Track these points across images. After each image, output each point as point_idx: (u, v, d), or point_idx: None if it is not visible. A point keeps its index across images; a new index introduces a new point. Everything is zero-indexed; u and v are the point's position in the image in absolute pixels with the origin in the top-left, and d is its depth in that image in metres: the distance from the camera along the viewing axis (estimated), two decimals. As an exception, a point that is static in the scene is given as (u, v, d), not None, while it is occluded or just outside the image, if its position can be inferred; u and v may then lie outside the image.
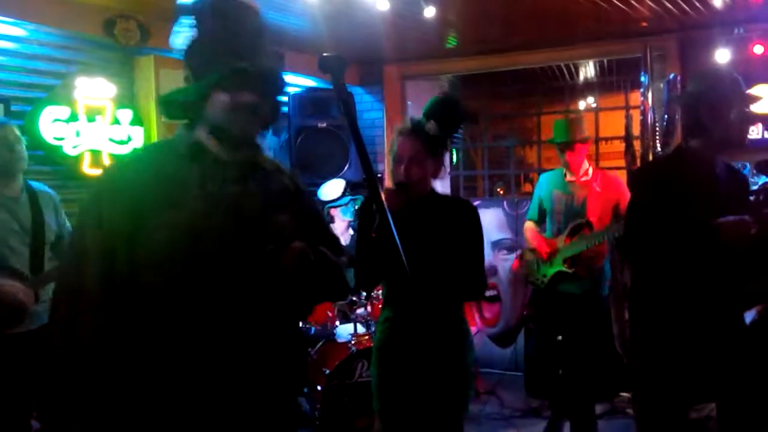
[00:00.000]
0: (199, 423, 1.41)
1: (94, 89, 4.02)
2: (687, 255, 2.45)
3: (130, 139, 4.18)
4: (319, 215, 1.79)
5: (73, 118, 3.91)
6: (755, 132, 5.42)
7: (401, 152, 2.30)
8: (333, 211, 4.58)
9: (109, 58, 4.23)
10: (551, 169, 4.15)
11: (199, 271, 1.40)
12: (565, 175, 3.84)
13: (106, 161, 4.06)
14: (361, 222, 2.37)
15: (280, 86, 1.54)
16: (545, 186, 3.94)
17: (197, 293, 1.40)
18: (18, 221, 2.83)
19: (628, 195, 3.66)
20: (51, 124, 3.80)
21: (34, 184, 3.05)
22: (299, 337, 1.65)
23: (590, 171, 3.80)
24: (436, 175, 2.37)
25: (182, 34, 1.47)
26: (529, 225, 4.02)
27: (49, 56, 3.94)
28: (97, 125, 4.01)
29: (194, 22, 1.46)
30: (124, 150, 4.16)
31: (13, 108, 3.72)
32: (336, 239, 1.78)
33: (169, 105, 1.52)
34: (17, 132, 2.96)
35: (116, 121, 4.13)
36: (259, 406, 1.48)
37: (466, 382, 2.38)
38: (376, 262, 2.22)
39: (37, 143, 3.77)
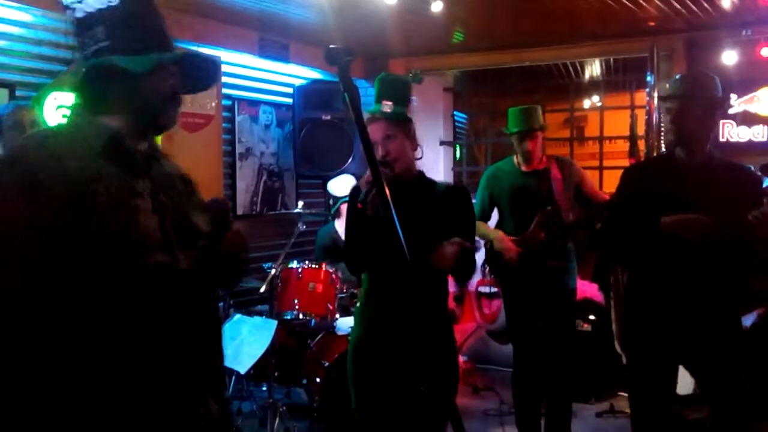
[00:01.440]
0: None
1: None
2: (658, 253, 2.50)
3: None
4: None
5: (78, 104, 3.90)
6: (760, 134, 5.41)
7: (374, 138, 2.29)
8: (344, 207, 4.58)
9: (114, 45, 4.22)
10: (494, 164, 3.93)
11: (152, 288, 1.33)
12: (519, 165, 3.67)
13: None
14: (351, 207, 2.37)
15: (214, 79, 1.55)
16: (497, 181, 3.72)
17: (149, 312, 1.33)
18: None
19: (586, 175, 3.72)
20: (56, 111, 3.80)
21: None
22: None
23: (544, 159, 3.64)
24: (414, 150, 2.38)
25: None
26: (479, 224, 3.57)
27: (55, 42, 3.93)
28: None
29: None
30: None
31: (18, 93, 3.71)
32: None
33: (93, 83, 1.36)
34: (33, 116, 2.93)
35: (121, 109, 4.13)
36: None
37: (454, 369, 2.39)
38: (368, 244, 2.24)
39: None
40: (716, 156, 2.62)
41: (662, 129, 3.74)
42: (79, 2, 1.35)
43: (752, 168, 5.03)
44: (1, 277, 1.23)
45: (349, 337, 3.82)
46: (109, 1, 1.35)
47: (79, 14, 1.36)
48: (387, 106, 2.34)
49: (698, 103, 2.54)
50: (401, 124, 2.33)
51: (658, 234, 2.46)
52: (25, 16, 3.77)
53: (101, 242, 1.27)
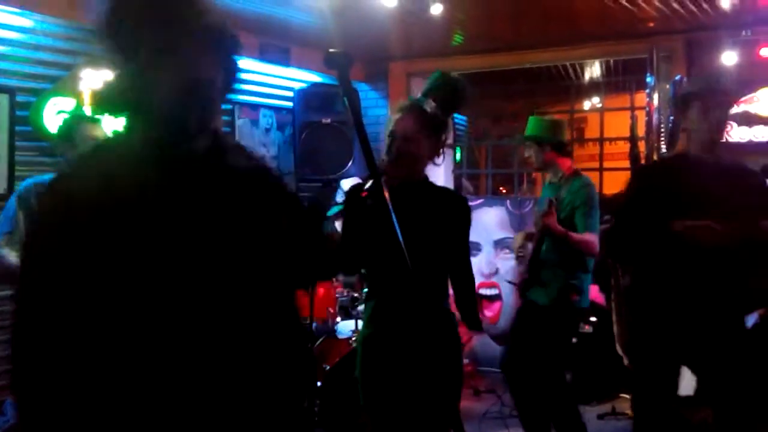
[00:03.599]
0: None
1: (101, 81, 4.02)
2: (668, 256, 2.49)
3: (134, 131, 4.18)
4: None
5: (78, 109, 3.90)
6: (761, 135, 5.41)
7: (396, 128, 2.25)
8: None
9: (114, 50, 4.22)
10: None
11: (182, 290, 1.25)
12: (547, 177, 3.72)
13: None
14: (351, 199, 2.34)
15: (232, 50, 1.32)
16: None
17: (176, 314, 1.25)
18: None
19: (585, 204, 3.47)
20: (56, 116, 3.80)
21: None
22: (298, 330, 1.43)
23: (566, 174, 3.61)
24: (432, 157, 2.33)
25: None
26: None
27: (55, 47, 3.94)
28: (102, 117, 4.00)
29: None
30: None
31: (18, 99, 3.72)
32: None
33: (108, 98, 1.29)
34: (92, 129, 2.87)
35: (121, 114, 4.13)
36: (248, 412, 1.31)
37: (458, 373, 2.36)
38: (364, 239, 2.21)
39: (41, 135, 3.77)
40: (724, 155, 2.62)
41: (662, 130, 3.71)
42: None
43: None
44: (33, 289, 1.22)
45: (355, 338, 3.84)
46: None
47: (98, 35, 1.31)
48: (429, 104, 2.27)
49: (727, 99, 2.54)
50: (431, 129, 2.28)
51: (669, 237, 2.43)
52: (25, 22, 3.78)
53: (138, 251, 1.21)
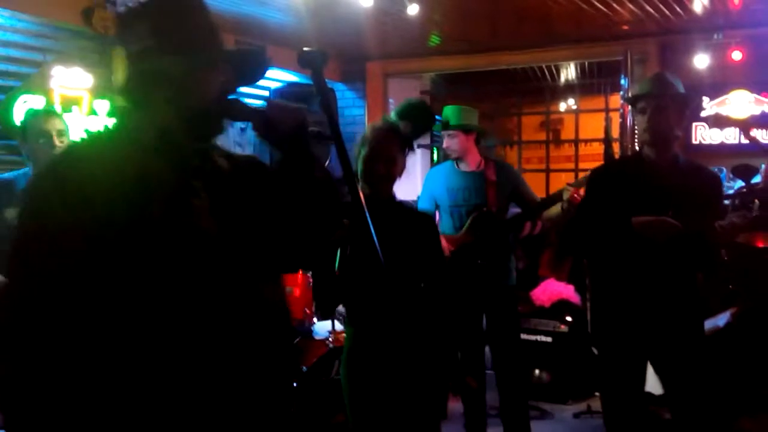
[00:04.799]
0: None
1: (71, 79, 3.95)
2: (620, 250, 2.55)
3: (107, 130, 4.12)
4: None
5: (49, 107, 3.83)
6: (732, 137, 5.50)
7: (377, 149, 2.31)
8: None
9: (86, 47, 4.15)
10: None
11: (179, 278, 1.28)
12: (457, 165, 3.66)
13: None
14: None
15: (259, 72, 1.42)
16: (434, 181, 3.73)
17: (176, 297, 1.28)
18: None
19: (523, 181, 3.69)
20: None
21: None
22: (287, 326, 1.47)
23: (482, 161, 3.63)
24: (400, 175, 2.39)
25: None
26: None
27: (25, 44, 3.86)
28: (74, 116, 3.93)
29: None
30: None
31: (-13, 96, 3.64)
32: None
33: (133, 84, 1.30)
34: (63, 124, 2.83)
35: (93, 112, 4.06)
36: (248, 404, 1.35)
37: (443, 388, 2.39)
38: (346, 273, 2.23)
39: (10, 133, 3.69)
40: (681, 156, 2.66)
41: (635, 131, 3.77)
42: None
43: (724, 169, 5.13)
44: (37, 279, 1.21)
45: (332, 339, 3.83)
46: None
47: (120, 8, 1.33)
48: (404, 126, 2.36)
49: (672, 102, 2.57)
50: (405, 146, 2.36)
51: (627, 231, 2.49)
52: (-7, 18, 3.70)
53: (152, 240, 1.23)
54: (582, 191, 3.16)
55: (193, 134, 1.34)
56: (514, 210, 3.71)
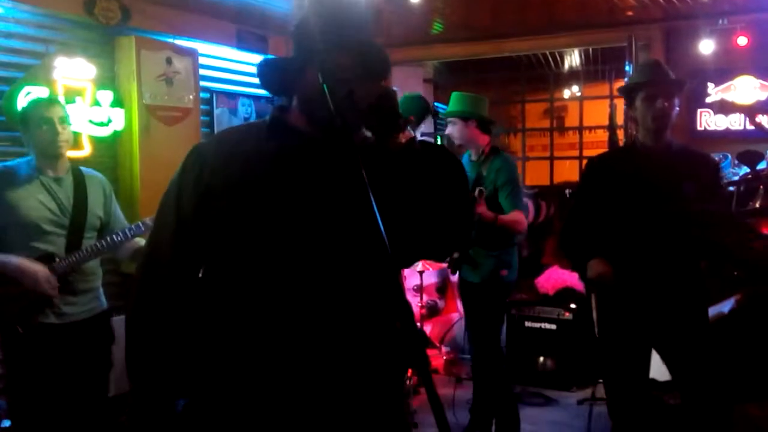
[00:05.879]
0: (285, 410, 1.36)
1: (74, 70, 3.95)
2: (630, 241, 2.56)
3: (110, 120, 4.11)
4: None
5: (52, 98, 3.83)
6: (737, 123, 5.47)
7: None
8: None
9: (89, 38, 4.14)
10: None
11: (285, 259, 1.37)
12: (470, 155, 3.65)
13: (86, 143, 3.99)
14: None
15: (380, 73, 1.46)
16: None
17: (288, 276, 1.37)
18: (57, 202, 2.75)
19: (510, 181, 3.49)
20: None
21: (84, 169, 2.93)
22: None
23: (486, 150, 3.56)
24: None
25: (298, 12, 1.48)
26: None
27: (27, 35, 3.85)
28: (77, 106, 3.93)
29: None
30: (104, 132, 4.09)
31: (-10, 87, 3.64)
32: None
33: (266, 74, 1.49)
34: (64, 111, 2.84)
35: (96, 103, 4.06)
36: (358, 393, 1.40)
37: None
38: None
39: (14, 124, 3.69)
40: (674, 143, 2.66)
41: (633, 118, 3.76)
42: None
43: (729, 156, 5.10)
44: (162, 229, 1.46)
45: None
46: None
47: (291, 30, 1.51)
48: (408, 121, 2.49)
49: (674, 87, 2.58)
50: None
51: (616, 233, 2.53)
52: (-5, 9, 3.69)
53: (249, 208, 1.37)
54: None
55: (313, 122, 1.45)
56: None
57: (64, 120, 2.78)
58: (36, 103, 2.88)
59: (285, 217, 1.37)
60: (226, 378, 1.38)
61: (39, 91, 3.76)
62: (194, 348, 1.42)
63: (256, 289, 1.37)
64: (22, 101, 3.69)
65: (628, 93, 2.68)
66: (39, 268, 2.61)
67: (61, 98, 3.84)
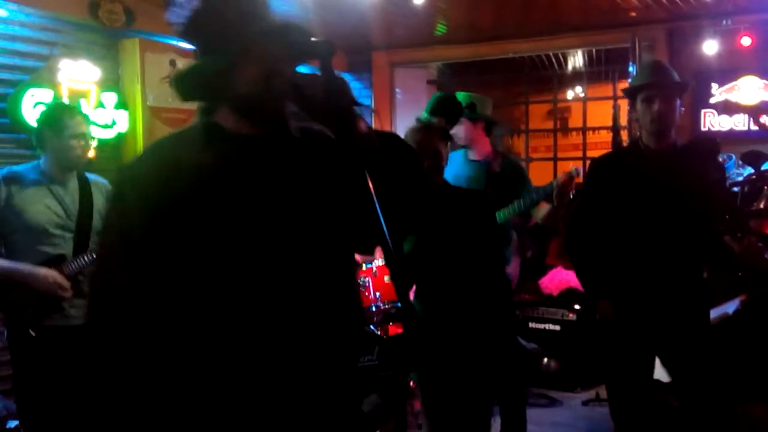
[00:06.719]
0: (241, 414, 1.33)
1: (78, 72, 3.96)
2: (633, 243, 2.56)
3: (114, 123, 4.13)
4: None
5: (57, 101, 3.84)
6: (741, 124, 5.46)
7: (420, 147, 2.51)
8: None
9: (93, 40, 4.16)
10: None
11: (235, 265, 1.31)
12: (467, 154, 3.61)
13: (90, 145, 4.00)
14: None
15: (310, 50, 1.38)
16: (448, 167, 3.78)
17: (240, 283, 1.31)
18: (64, 207, 2.78)
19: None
20: (33, 108, 3.74)
21: (89, 175, 2.94)
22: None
23: (491, 152, 3.55)
24: (445, 164, 2.62)
25: (181, 7, 1.33)
26: None
27: (32, 38, 3.87)
28: (81, 109, 3.95)
29: None
30: (109, 134, 4.10)
31: (-5, 90, 3.66)
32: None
33: (184, 83, 1.36)
34: (88, 124, 2.86)
35: (100, 105, 4.07)
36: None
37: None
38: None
39: (19, 126, 3.71)
40: (678, 142, 2.65)
41: (635, 120, 3.76)
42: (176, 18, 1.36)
43: (734, 156, 5.09)
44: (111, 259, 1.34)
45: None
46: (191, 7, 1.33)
47: (178, 29, 1.37)
48: (438, 121, 2.69)
49: (674, 89, 2.57)
50: (444, 139, 2.61)
51: (619, 232, 2.54)
52: (0, 12, 3.71)
53: (225, 230, 1.29)
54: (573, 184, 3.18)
55: (248, 121, 1.36)
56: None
57: (88, 134, 2.82)
58: (70, 111, 2.90)
59: (240, 226, 1.31)
60: (186, 386, 1.32)
61: (44, 94, 3.78)
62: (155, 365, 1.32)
63: (215, 302, 1.30)
64: (27, 104, 3.70)
65: (630, 94, 2.68)
66: (51, 272, 2.65)
67: (66, 100, 3.86)
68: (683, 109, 2.62)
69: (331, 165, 1.39)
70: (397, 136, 1.51)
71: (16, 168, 2.84)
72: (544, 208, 3.35)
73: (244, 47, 1.31)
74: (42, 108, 3.75)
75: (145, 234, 1.29)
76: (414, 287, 2.62)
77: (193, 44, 1.37)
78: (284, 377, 1.33)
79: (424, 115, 2.71)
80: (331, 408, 1.39)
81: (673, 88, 2.57)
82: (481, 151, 3.58)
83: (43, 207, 2.70)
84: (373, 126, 1.47)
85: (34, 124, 3.74)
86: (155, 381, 1.32)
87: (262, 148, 1.36)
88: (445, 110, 2.71)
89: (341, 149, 1.35)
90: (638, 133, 2.72)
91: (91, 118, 4.00)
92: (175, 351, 1.32)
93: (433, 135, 2.54)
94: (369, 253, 1.74)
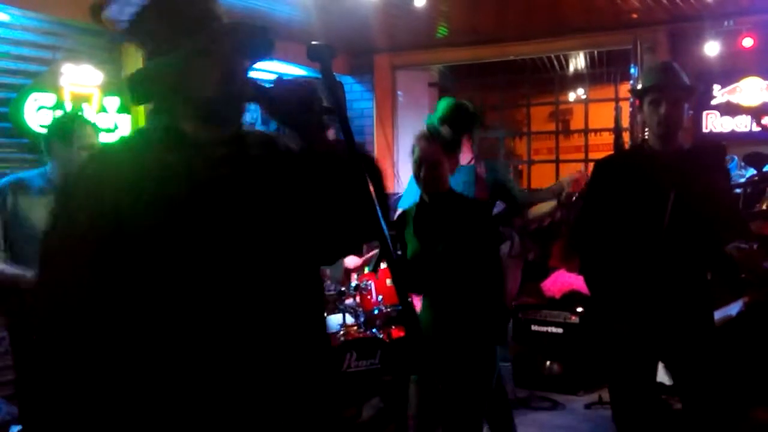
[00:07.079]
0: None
1: (81, 76, 3.97)
2: (636, 246, 2.54)
3: (116, 127, 4.14)
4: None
5: (59, 105, 3.85)
6: (743, 125, 5.46)
7: (423, 156, 2.56)
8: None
9: (95, 44, 4.17)
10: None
11: (198, 271, 1.27)
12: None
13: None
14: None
15: (268, 47, 1.35)
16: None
17: (203, 290, 1.27)
18: None
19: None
20: (36, 112, 3.75)
21: None
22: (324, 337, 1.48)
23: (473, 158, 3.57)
24: (451, 172, 2.67)
25: (127, 3, 1.28)
26: None
27: (34, 42, 3.88)
28: (84, 113, 3.96)
29: None
30: (111, 138, 4.11)
31: (-2, 95, 3.67)
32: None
33: (138, 85, 1.30)
34: (85, 128, 2.84)
35: (103, 109, 4.08)
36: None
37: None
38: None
39: (21, 131, 3.72)
40: (684, 144, 2.65)
41: (642, 121, 3.76)
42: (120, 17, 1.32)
43: (736, 157, 5.08)
44: (66, 275, 1.25)
45: (343, 333, 3.84)
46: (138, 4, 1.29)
47: (122, 26, 1.33)
48: (445, 130, 2.65)
49: (685, 93, 2.56)
50: (450, 151, 2.64)
51: (623, 230, 2.52)
52: (2, 16, 3.72)
53: (181, 236, 1.24)
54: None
55: (208, 124, 1.33)
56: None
57: (97, 144, 2.84)
58: (80, 121, 2.90)
59: (200, 233, 1.26)
60: (154, 399, 1.26)
61: (46, 98, 3.79)
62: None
63: (172, 308, 1.25)
64: (30, 108, 3.71)
65: (638, 95, 2.68)
66: None
67: (69, 104, 3.87)
68: (691, 112, 2.60)
69: (291, 173, 1.36)
70: (365, 151, 1.47)
71: (21, 174, 2.86)
72: (541, 206, 3.38)
73: (200, 47, 1.26)
74: (48, 113, 3.77)
75: (112, 238, 1.23)
76: (420, 298, 2.66)
77: (140, 45, 1.32)
78: (245, 384, 1.28)
79: (434, 120, 2.72)
80: (296, 416, 1.34)
81: (682, 91, 2.56)
82: (464, 156, 3.60)
83: (47, 214, 2.71)
84: (374, 128, 1.46)
85: (36, 128, 3.76)
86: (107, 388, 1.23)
87: (222, 154, 1.32)
88: (454, 120, 2.75)
89: (303, 158, 1.33)
90: (644, 135, 2.72)
91: (94, 123, 4.02)
92: (132, 359, 1.25)
93: (435, 145, 2.57)
94: (330, 264, 1.72)
